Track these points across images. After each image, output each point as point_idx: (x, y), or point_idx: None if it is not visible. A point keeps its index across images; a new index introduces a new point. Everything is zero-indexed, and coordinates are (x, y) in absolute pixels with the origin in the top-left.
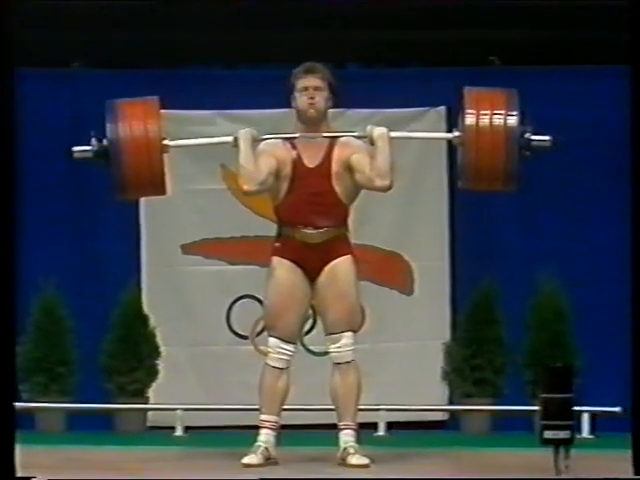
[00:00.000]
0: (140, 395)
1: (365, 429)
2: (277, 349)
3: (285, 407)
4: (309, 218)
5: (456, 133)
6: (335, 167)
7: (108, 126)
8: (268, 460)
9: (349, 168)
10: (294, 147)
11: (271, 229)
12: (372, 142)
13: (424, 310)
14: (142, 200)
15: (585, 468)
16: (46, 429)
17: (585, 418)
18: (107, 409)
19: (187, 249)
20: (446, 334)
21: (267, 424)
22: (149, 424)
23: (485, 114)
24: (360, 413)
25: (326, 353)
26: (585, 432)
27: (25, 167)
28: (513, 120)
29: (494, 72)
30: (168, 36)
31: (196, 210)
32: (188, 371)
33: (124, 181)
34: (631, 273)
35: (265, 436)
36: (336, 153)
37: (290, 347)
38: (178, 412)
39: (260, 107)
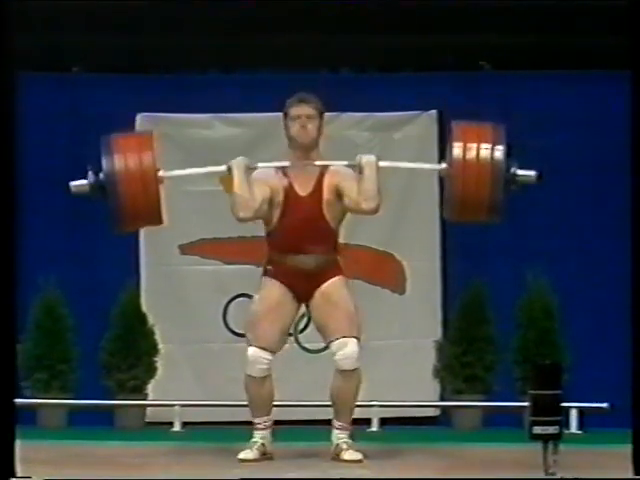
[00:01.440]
0: (139, 391)
1: (359, 425)
2: (257, 358)
3: (280, 403)
4: (301, 245)
5: (443, 165)
6: (326, 194)
7: (104, 159)
8: (264, 455)
9: (338, 194)
10: (286, 175)
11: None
12: (361, 170)
13: (416, 309)
14: None
15: (573, 463)
16: (48, 425)
17: (573, 414)
18: (107, 405)
19: (185, 249)
20: (437, 332)
21: (260, 425)
22: (148, 420)
23: (472, 147)
24: (354, 409)
25: (320, 350)
26: (573, 427)
27: (27, 168)
28: (499, 154)
29: (485, 77)
30: (166, 41)
31: (193, 211)
32: (186, 368)
33: (121, 213)
34: (631, 271)
35: (261, 433)
36: (327, 181)
37: (268, 355)
38: (176, 408)
39: (255, 110)
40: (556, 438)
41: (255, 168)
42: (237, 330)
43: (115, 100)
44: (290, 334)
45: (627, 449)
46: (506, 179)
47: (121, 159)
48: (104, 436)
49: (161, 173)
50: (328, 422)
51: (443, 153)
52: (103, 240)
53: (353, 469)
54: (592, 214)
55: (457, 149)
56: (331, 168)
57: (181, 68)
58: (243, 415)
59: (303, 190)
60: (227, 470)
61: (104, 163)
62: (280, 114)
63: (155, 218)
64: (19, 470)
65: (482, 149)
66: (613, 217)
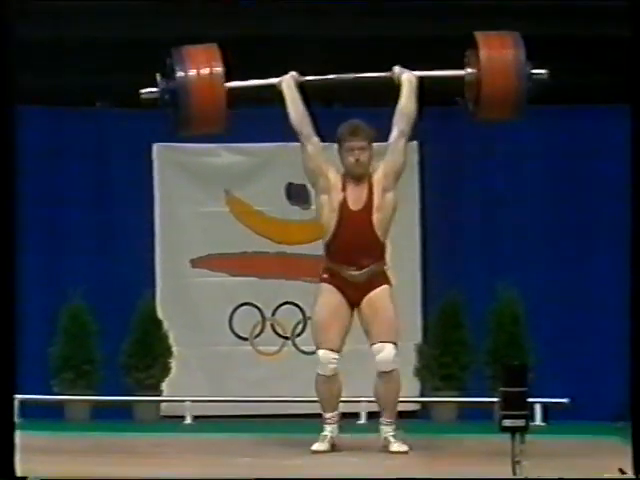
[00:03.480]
0: (155, 389)
1: (348, 418)
2: (328, 359)
3: (281, 399)
4: (354, 259)
5: (469, 70)
6: (377, 200)
7: (177, 67)
8: (333, 446)
9: (386, 174)
10: (344, 189)
11: (266, 246)
12: (397, 83)
13: (399, 314)
14: (157, 219)
15: (537, 452)
16: (74, 419)
17: (538, 409)
18: (126, 401)
19: (195, 263)
20: (418, 336)
21: (330, 420)
22: (162, 414)
23: (497, 50)
24: (344, 404)
25: (314, 353)
26: (538, 420)
27: (55, 192)
28: (521, 54)
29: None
30: None
31: (203, 230)
32: (196, 368)
33: (189, 118)
34: (630, 279)
35: (330, 426)
36: (375, 185)
37: (337, 356)
38: (187, 403)
39: (259, 141)
40: (523, 430)
41: (307, 81)
42: (241, 334)
43: (134, 131)
44: (287, 338)
45: (586, 439)
46: (526, 75)
47: (194, 68)
48: (124, 429)
49: (227, 84)
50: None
51: (424, 184)
52: (124, 254)
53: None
54: (555, 231)
55: (485, 52)
56: (373, 174)
57: None
58: (247, 409)
59: (355, 205)
60: (233, 459)
61: (178, 70)
62: (280, 144)
63: (219, 125)
64: (45, 460)
65: (506, 51)
66: (582, 232)
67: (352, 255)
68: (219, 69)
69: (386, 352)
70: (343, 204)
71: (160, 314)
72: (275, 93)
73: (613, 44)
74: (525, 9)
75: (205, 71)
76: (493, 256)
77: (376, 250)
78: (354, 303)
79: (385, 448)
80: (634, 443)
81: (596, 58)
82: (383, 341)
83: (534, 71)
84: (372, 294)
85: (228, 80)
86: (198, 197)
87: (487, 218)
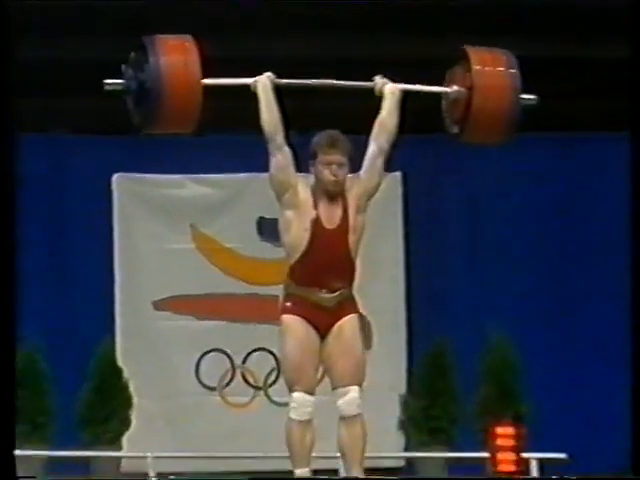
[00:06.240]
0: (114, 443)
1: (326, 475)
2: (304, 402)
3: (252, 455)
4: (326, 281)
5: (455, 87)
6: (352, 220)
7: (149, 56)
8: None
9: (360, 194)
10: (316, 207)
11: (236, 286)
12: (379, 94)
13: (382, 363)
14: (116, 257)
15: None
16: (26, 475)
17: (534, 464)
18: (83, 456)
19: (158, 305)
20: (402, 386)
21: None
22: (123, 470)
23: (490, 67)
24: (321, 460)
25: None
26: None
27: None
28: (516, 74)
29: (448, 139)
30: None
31: (166, 268)
32: (159, 421)
33: (157, 114)
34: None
35: None
36: (350, 204)
37: (312, 398)
38: (150, 459)
39: (228, 171)
40: None
41: (283, 84)
42: (209, 384)
43: (92, 161)
44: (259, 388)
45: None
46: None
47: (168, 58)
48: None
49: (203, 80)
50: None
51: (407, 215)
52: (81, 296)
53: None
54: (553, 271)
55: (477, 68)
56: (347, 187)
57: None
58: (214, 466)
59: (330, 223)
60: None
61: (150, 59)
62: (250, 175)
63: (190, 124)
64: None
65: (500, 69)
66: (577, 277)
67: (324, 277)
68: (196, 61)
69: (350, 395)
70: (316, 222)
71: (120, 361)
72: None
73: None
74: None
75: (180, 62)
76: (483, 297)
77: (348, 272)
78: (322, 332)
79: None
80: (634, 443)
81: (584, 81)
82: (349, 384)
83: (523, 96)
84: (341, 325)
85: (204, 76)
86: (161, 233)
87: (477, 256)
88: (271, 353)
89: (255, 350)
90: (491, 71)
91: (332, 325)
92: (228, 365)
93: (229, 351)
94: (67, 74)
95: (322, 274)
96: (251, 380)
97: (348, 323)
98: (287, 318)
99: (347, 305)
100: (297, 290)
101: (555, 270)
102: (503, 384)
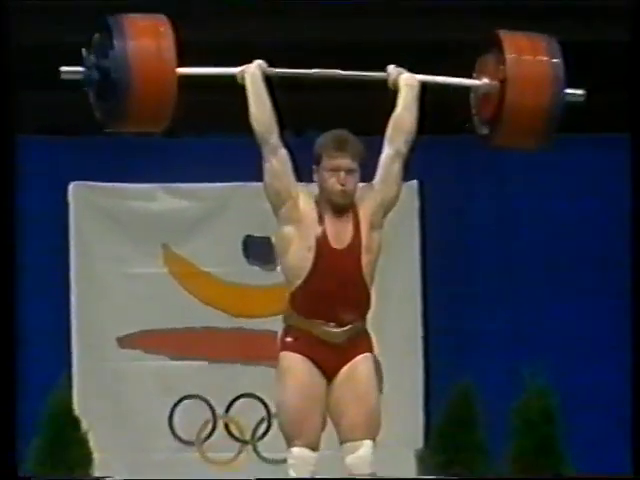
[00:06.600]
0: None
1: None
2: (304, 459)
3: None
4: (334, 312)
5: (485, 80)
6: (365, 239)
7: (115, 39)
8: None
9: (375, 208)
10: (321, 221)
11: (218, 319)
12: (393, 87)
13: (394, 412)
14: (72, 283)
15: None
16: None
17: None
18: None
19: (124, 342)
20: (419, 440)
21: None
22: None
23: (529, 55)
24: None
25: (282, 461)
26: None
27: None
28: (559, 63)
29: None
30: None
31: (134, 297)
32: None
33: (125, 109)
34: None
35: None
36: (362, 219)
37: (315, 455)
38: None
39: (209, 180)
40: None
41: (277, 74)
42: (185, 437)
43: (44, 165)
44: (246, 441)
45: None
46: (563, 93)
47: (137, 41)
48: None
49: (179, 69)
50: None
51: (425, 233)
52: (30, 332)
53: None
54: (597, 302)
55: (513, 56)
56: (358, 198)
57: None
58: None
59: (338, 243)
60: None
61: (115, 43)
62: (235, 185)
63: (163, 121)
64: None
65: (540, 57)
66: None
67: (332, 307)
68: (170, 47)
69: (362, 451)
70: (322, 240)
71: (77, 410)
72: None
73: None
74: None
75: (152, 47)
76: (517, 332)
77: (361, 301)
78: (330, 374)
79: None
80: (634, 443)
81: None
82: (360, 439)
83: (568, 91)
84: (352, 367)
85: (180, 64)
86: (127, 254)
87: (510, 283)
88: (260, 400)
89: (241, 396)
90: (529, 60)
91: (341, 366)
92: (208, 414)
93: (209, 397)
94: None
95: (329, 303)
96: (236, 432)
97: (361, 364)
98: (287, 356)
99: (360, 341)
100: (299, 322)
101: (609, 300)
102: (541, 438)
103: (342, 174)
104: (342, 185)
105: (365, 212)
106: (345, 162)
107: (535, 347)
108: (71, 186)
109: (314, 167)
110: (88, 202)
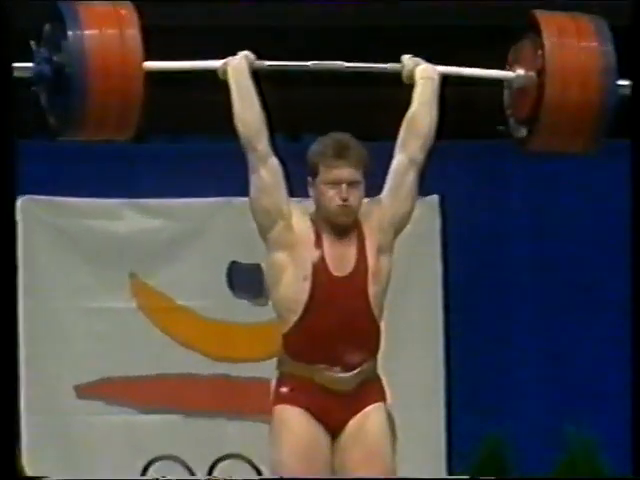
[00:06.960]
0: None
1: None
2: None
3: None
4: (337, 354)
5: (520, 71)
6: (372, 263)
7: (69, 29)
8: None
9: (384, 226)
10: (319, 243)
11: (197, 363)
12: (408, 80)
13: (412, 472)
14: (20, 320)
15: None
16: None
17: None
18: None
19: (83, 391)
20: None
21: None
22: None
23: (572, 40)
24: None
25: None
26: None
27: None
28: (610, 49)
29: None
30: None
31: (95, 337)
32: None
33: (83, 112)
34: None
35: None
36: (368, 241)
37: None
38: None
39: (186, 195)
40: None
41: (263, 68)
42: None
43: None
44: None
45: None
46: (615, 86)
47: (96, 31)
48: None
49: (147, 64)
50: None
51: (447, 256)
52: None
53: None
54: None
55: (552, 41)
56: (362, 215)
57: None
58: None
59: (340, 269)
60: None
61: (69, 33)
62: (215, 200)
63: (128, 126)
64: None
65: (586, 43)
66: None
67: (335, 347)
68: (135, 36)
69: None
70: (320, 267)
71: (28, 472)
72: None
73: None
74: None
75: (113, 37)
76: (557, 378)
77: (371, 339)
78: (334, 428)
79: None
80: (634, 443)
81: None
82: None
83: (621, 82)
84: (362, 420)
85: (147, 57)
86: (88, 285)
87: (549, 316)
88: (248, 462)
89: (224, 457)
90: (573, 45)
91: (349, 418)
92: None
93: (186, 459)
94: None
95: (331, 343)
96: None
97: (372, 415)
98: (282, 410)
99: (370, 388)
100: (295, 369)
101: None
102: None
103: (343, 187)
104: (343, 200)
105: (372, 232)
106: (346, 173)
107: (579, 394)
108: (19, 202)
109: (309, 179)
110: (40, 221)
